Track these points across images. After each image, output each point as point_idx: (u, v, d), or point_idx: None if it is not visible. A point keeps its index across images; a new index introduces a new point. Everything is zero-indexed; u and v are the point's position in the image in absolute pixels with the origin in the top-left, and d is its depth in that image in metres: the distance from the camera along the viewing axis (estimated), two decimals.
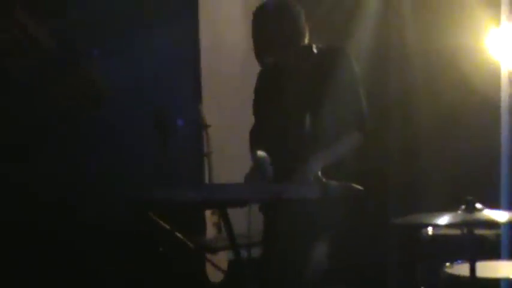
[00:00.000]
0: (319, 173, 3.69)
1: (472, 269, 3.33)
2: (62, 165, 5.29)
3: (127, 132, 5.64)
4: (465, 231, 3.43)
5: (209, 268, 5.76)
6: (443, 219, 3.28)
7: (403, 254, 5.35)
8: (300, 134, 3.86)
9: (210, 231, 6.01)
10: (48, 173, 5.22)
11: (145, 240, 4.77)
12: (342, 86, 3.85)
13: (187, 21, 6.43)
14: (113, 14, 5.63)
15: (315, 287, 3.81)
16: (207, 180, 6.22)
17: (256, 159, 3.89)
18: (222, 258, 5.80)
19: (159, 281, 5.36)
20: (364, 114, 3.90)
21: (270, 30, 3.84)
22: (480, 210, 3.31)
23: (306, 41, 3.93)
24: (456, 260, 3.79)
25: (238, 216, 3.71)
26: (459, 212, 3.32)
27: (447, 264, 3.79)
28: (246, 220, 3.77)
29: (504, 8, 5.23)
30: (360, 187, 3.63)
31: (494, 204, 3.47)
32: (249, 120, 4.24)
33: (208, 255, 5.61)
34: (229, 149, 6.29)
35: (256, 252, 4.06)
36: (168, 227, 3.98)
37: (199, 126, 6.22)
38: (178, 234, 4.60)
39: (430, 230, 4.45)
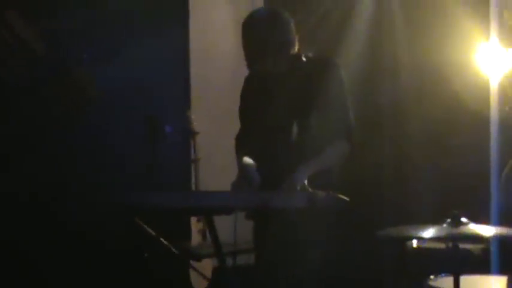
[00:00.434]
0: (306, 182, 3.69)
1: (456, 283, 3.33)
2: (49, 169, 5.28)
3: (115, 138, 5.64)
4: (450, 245, 3.43)
5: (193, 275, 5.75)
6: (428, 233, 3.27)
7: (389, 266, 5.36)
8: (287, 143, 3.87)
9: (195, 238, 6.00)
10: (35, 177, 5.21)
11: (131, 246, 4.76)
12: (330, 96, 3.86)
13: (177, 29, 6.45)
14: (103, 21, 5.63)
15: None
16: (193, 187, 6.21)
17: (242, 167, 3.89)
18: (207, 265, 5.79)
19: (143, 287, 5.35)
20: (351, 124, 3.92)
21: (260, 38, 3.84)
22: (465, 224, 3.31)
23: (296, 50, 3.94)
24: (440, 274, 3.79)
25: (223, 224, 3.71)
26: (444, 225, 3.32)
27: (431, 277, 3.79)
28: (231, 228, 3.76)
29: (493, 23, 5.26)
30: (345, 198, 3.64)
31: (483, 219, 3.47)
32: (238, 128, 4.24)
33: (193, 262, 5.60)
34: (217, 156, 6.29)
35: (241, 260, 4.06)
36: (153, 232, 3.98)
37: (187, 133, 6.21)
38: (164, 241, 4.59)
39: (414, 242, 4.46)
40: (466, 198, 4.86)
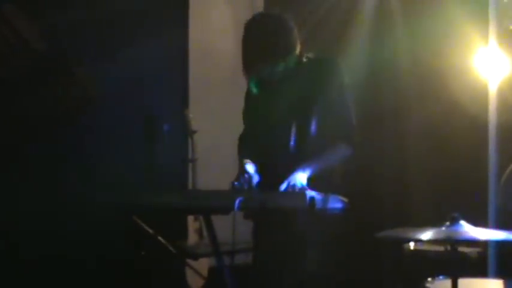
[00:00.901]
0: (305, 183, 3.69)
1: (454, 286, 3.33)
2: (48, 168, 5.28)
3: (114, 137, 5.64)
4: (448, 247, 3.44)
5: (189, 274, 5.76)
6: (426, 235, 3.28)
7: (387, 268, 5.37)
8: (288, 144, 3.86)
9: (192, 237, 6.00)
10: (34, 175, 5.21)
11: (129, 244, 4.77)
12: (331, 97, 3.84)
13: (177, 29, 6.44)
14: (103, 20, 5.63)
15: None
16: (190, 186, 6.21)
17: (242, 166, 3.88)
18: (203, 264, 5.80)
19: (140, 285, 5.35)
20: (352, 126, 3.89)
21: (263, 45, 3.79)
22: (463, 227, 3.32)
23: (297, 52, 3.90)
24: (438, 276, 3.80)
25: (222, 224, 3.71)
26: (442, 228, 3.33)
27: (429, 279, 3.79)
28: (230, 227, 3.76)
29: (492, 27, 5.27)
30: (345, 199, 3.64)
31: (481, 222, 3.47)
32: (236, 127, 4.23)
33: (189, 261, 5.61)
34: (215, 155, 6.29)
35: (239, 259, 4.06)
36: (151, 231, 3.99)
37: (185, 131, 6.21)
38: (161, 239, 4.60)
39: (412, 244, 4.47)
40: (464, 201, 4.86)
